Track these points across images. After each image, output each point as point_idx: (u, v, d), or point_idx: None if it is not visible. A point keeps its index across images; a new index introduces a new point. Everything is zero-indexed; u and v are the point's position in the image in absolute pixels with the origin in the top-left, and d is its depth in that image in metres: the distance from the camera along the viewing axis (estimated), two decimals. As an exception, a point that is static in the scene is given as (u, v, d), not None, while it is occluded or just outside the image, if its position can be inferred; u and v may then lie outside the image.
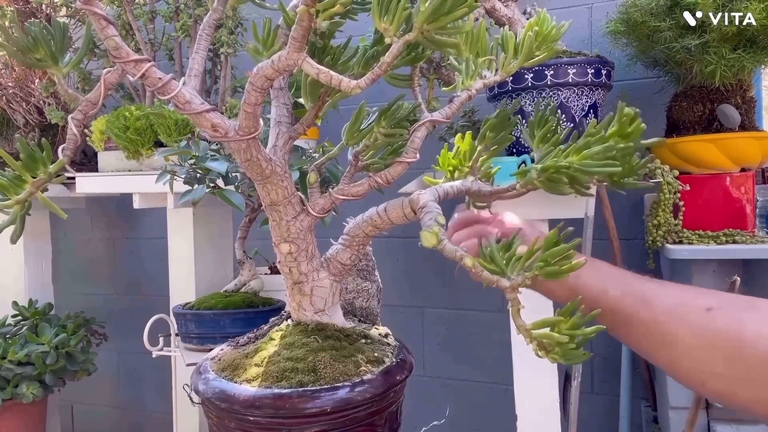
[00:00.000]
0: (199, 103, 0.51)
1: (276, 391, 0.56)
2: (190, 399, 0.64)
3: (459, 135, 0.66)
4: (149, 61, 0.49)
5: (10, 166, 0.52)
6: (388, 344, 0.68)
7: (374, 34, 0.61)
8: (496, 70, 0.64)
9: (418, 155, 0.61)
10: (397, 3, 0.48)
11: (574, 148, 0.54)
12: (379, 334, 0.70)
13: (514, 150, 1.25)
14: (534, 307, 0.61)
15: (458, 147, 0.65)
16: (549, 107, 0.62)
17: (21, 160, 0.51)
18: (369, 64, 0.60)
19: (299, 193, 0.62)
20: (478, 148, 0.65)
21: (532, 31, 0.61)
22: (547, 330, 0.45)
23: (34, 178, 0.52)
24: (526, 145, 1.22)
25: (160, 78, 0.49)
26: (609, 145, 0.52)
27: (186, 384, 0.64)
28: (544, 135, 0.60)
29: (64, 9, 1.71)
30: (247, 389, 0.57)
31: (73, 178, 1.61)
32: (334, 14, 0.48)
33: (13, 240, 0.52)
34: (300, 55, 0.48)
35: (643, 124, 0.52)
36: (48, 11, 1.69)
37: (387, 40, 0.50)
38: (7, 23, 1.60)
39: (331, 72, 0.49)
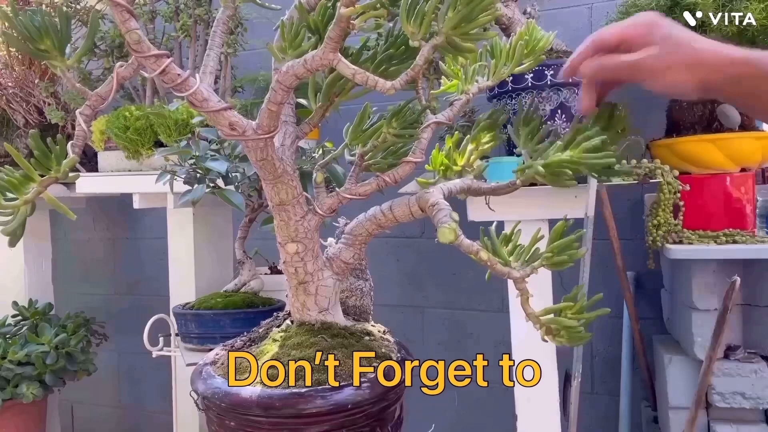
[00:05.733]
0: (216, 101, 0.51)
1: (278, 391, 0.56)
2: (197, 405, 0.64)
3: (447, 136, 0.67)
4: (168, 57, 0.48)
5: (11, 166, 0.51)
6: (389, 340, 0.69)
7: (387, 38, 0.61)
8: (488, 77, 0.66)
9: (424, 156, 0.62)
10: (424, 7, 0.49)
11: (569, 140, 0.56)
12: (378, 331, 0.71)
13: (514, 150, 1.25)
14: (537, 294, 0.63)
15: (448, 147, 0.66)
16: (532, 106, 0.64)
17: (34, 157, 0.50)
18: (381, 65, 0.60)
19: (305, 192, 0.63)
20: (469, 148, 0.66)
21: (523, 40, 0.63)
22: (554, 316, 0.51)
23: (41, 176, 0.51)
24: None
25: (179, 74, 0.49)
26: (605, 138, 0.54)
27: (192, 391, 0.64)
28: (530, 133, 0.62)
29: (64, 9, 1.70)
30: (251, 389, 0.57)
31: (73, 178, 1.61)
32: (376, 17, 0.49)
33: (12, 243, 0.51)
34: (335, 56, 0.48)
35: (624, 112, 0.58)
36: (48, 10, 1.69)
37: (414, 44, 0.52)
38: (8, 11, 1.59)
39: (368, 73, 0.49)
